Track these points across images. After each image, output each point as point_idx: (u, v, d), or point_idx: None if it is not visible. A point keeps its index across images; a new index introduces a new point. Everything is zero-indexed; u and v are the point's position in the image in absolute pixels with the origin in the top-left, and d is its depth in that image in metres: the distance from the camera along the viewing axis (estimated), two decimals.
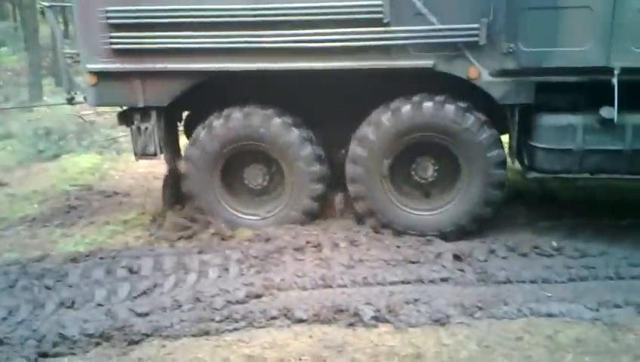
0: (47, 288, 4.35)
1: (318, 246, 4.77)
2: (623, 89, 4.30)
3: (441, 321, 3.68)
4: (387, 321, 3.71)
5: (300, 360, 3.33)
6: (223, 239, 5.11)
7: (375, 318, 3.72)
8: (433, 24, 4.52)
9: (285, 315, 3.82)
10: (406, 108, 4.78)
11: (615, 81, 4.28)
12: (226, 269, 4.56)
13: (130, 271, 4.58)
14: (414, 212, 5.04)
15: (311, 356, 3.37)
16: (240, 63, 4.82)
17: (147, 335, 3.67)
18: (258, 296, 4.11)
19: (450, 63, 4.62)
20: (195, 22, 4.75)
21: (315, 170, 5.07)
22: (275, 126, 4.99)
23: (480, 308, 3.81)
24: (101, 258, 4.80)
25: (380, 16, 4.52)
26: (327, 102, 5.12)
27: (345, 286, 4.22)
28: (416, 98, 4.80)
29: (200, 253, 4.87)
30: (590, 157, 4.55)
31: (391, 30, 4.58)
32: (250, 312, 3.85)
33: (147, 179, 7.65)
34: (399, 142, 4.87)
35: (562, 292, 4.06)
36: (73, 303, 4.13)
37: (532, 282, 4.24)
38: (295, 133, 5.01)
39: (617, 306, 3.80)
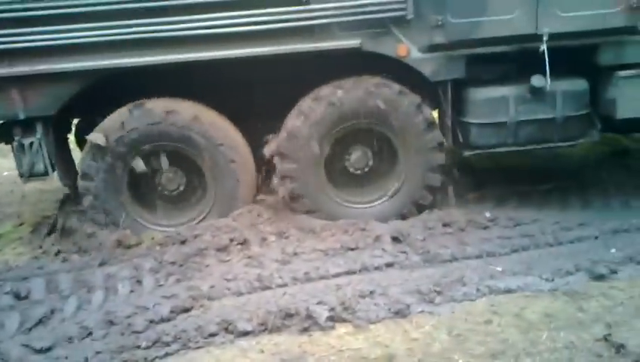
0: None
1: (244, 243, 4.23)
2: (551, 55, 4.21)
3: (402, 313, 3.34)
4: (345, 320, 3.29)
5: None
6: (128, 247, 4.36)
7: (331, 318, 3.28)
8: None
9: (226, 329, 3.26)
10: (337, 95, 4.38)
11: (544, 47, 4.18)
12: (139, 281, 3.91)
13: (18, 296, 3.79)
14: (355, 206, 4.69)
15: None
16: (143, 57, 4.13)
17: None
18: (186, 310, 3.51)
19: (378, 42, 4.27)
20: (82, 12, 3.98)
21: None
22: None
23: (438, 292, 3.52)
24: None
25: None
26: (247, 95, 4.64)
27: (285, 285, 3.74)
28: (347, 83, 4.41)
29: (102, 265, 4.12)
30: (524, 129, 4.44)
31: (312, 9, 4.12)
32: (183, 331, 3.25)
33: (17, 183, 6.50)
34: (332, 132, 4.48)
35: (510, 264, 3.90)
36: None
37: (477, 257, 4.04)
38: None
39: (570, 273, 3.71)
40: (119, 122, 4.32)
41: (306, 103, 4.44)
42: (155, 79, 4.33)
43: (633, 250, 3.96)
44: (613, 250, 4.03)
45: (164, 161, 4.48)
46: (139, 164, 4.37)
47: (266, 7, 4.08)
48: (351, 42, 4.23)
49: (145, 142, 4.37)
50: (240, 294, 3.67)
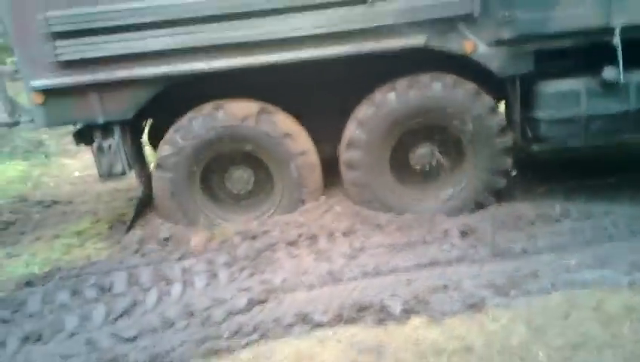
0: (4, 321, 3.65)
1: (312, 238, 4.30)
2: (623, 48, 4.11)
3: (477, 306, 3.33)
4: (419, 313, 3.31)
5: None
6: None
7: (405, 311, 3.32)
8: None
9: (303, 320, 3.34)
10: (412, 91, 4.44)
11: (617, 40, 4.08)
12: (215, 275, 4.02)
13: (102, 289, 3.94)
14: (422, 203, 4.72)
15: None
16: (212, 62, 4.24)
17: None
18: (262, 302, 3.61)
19: (444, 39, 4.25)
20: (155, 21, 4.12)
21: None
22: None
23: (512, 286, 3.50)
24: (62, 278, 4.12)
25: None
26: (311, 97, 4.69)
27: (355, 278, 3.78)
28: (425, 78, 4.44)
29: (180, 259, 4.28)
30: (596, 123, 4.34)
31: (377, 8, 4.14)
32: (261, 322, 3.35)
33: (87, 182, 6.85)
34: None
35: (584, 258, 3.81)
36: (41, 336, 3.47)
37: (549, 251, 3.98)
38: None
39: None
40: (244, 114, 4.47)
41: (381, 94, 4.48)
42: (218, 82, 4.44)
43: None
44: None
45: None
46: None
47: (330, 9, 4.12)
48: (416, 40, 4.24)
49: (239, 141, 4.54)
50: (312, 287, 3.73)
